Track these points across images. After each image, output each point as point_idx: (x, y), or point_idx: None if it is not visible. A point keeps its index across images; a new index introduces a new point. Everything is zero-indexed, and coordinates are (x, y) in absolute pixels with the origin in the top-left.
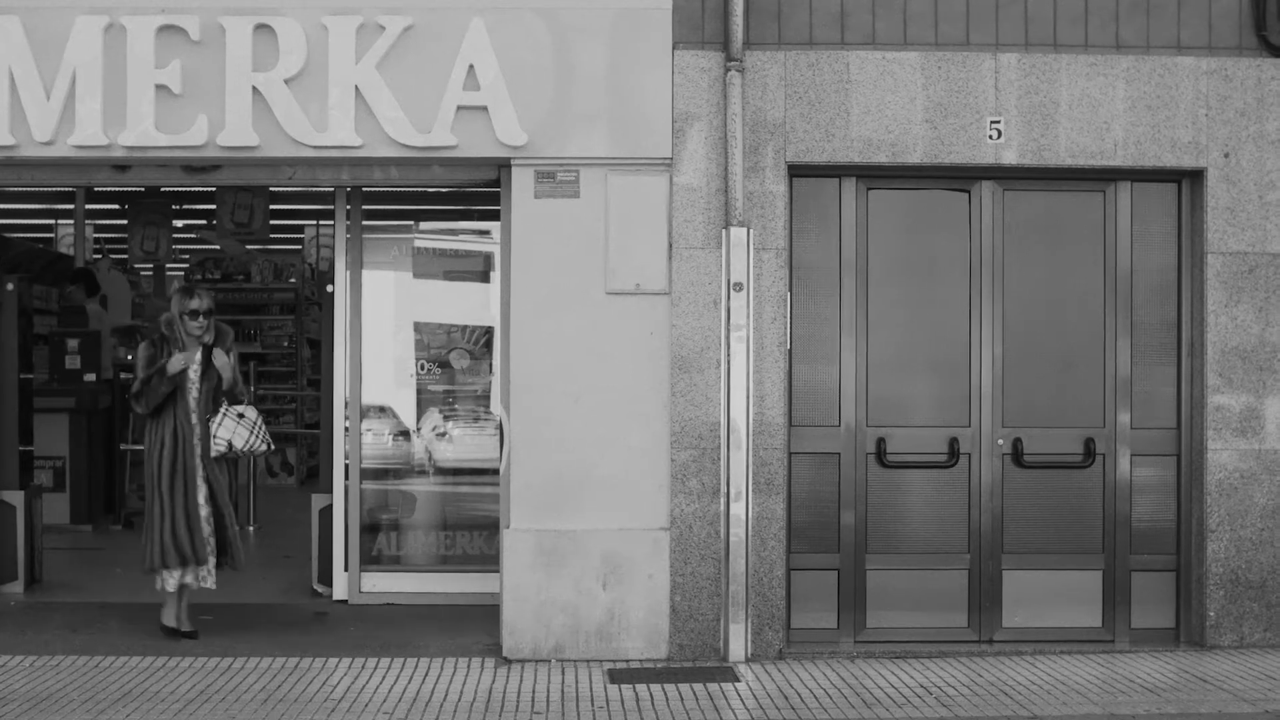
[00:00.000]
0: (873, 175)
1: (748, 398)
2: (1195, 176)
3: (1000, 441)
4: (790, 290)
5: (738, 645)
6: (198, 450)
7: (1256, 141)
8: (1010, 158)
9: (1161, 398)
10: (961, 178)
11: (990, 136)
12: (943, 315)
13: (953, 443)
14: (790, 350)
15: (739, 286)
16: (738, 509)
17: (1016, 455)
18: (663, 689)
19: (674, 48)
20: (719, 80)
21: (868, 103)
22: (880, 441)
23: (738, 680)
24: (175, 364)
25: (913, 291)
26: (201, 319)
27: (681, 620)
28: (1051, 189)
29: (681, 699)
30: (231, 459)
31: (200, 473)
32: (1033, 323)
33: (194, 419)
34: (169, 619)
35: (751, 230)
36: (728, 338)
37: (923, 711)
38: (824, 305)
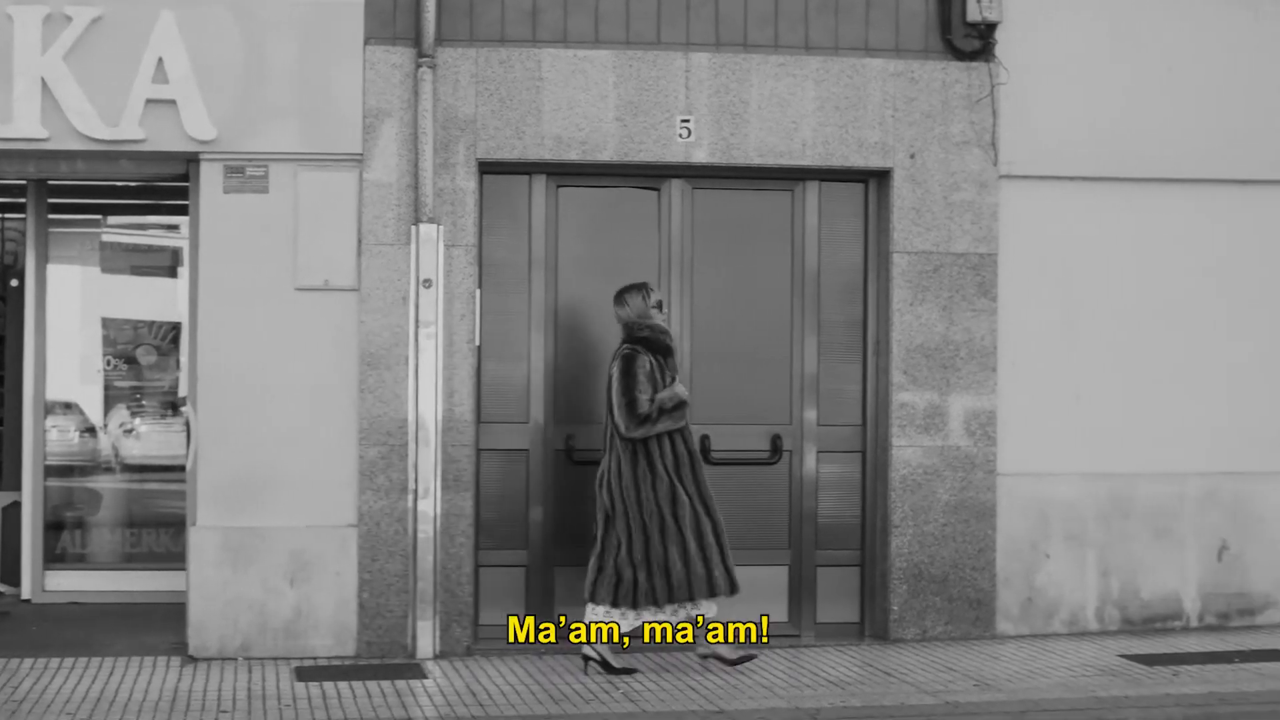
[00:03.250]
0: (564, 173)
1: (436, 394)
2: (882, 177)
3: None
4: (480, 287)
5: (426, 642)
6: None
7: (941, 143)
8: (700, 156)
9: (848, 395)
10: (652, 176)
11: (680, 135)
12: None
13: None
14: (480, 347)
15: (428, 283)
16: (426, 506)
17: (704, 451)
18: (350, 686)
19: (366, 43)
20: (410, 76)
21: (559, 100)
22: (569, 438)
23: (425, 677)
24: (684, 391)
25: (603, 289)
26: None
27: (370, 617)
28: (741, 188)
29: (369, 696)
30: None
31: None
32: (722, 320)
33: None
34: (618, 659)
35: (442, 227)
36: (417, 334)
37: (611, 708)
38: (514, 302)
